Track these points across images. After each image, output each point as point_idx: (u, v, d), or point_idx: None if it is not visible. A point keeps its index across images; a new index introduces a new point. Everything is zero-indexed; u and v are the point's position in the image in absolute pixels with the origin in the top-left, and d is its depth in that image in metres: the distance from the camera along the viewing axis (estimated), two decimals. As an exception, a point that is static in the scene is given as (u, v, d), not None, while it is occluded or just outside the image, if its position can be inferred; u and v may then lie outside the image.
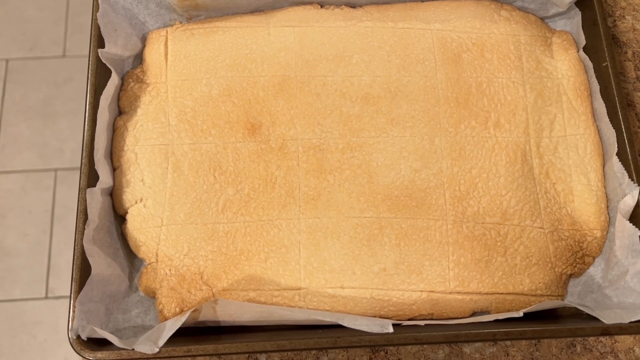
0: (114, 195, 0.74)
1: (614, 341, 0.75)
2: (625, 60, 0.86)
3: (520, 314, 0.67)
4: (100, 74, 0.75)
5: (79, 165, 0.71)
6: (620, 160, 0.73)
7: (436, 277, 0.72)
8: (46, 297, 1.64)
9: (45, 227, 1.70)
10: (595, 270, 0.75)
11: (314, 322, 0.68)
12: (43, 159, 1.77)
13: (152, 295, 0.73)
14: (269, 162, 0.75)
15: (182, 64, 0.79)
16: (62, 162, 1.76)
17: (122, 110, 0.78)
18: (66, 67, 1.86)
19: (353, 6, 0.83)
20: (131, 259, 0.74)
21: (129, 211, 0.74)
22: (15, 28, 1.90)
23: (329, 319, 0.66)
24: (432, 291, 0.71)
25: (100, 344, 0.66)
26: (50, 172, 1.75)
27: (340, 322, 0.65)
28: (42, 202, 1.73)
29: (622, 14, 0.89)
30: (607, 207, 0.75)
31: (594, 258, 0.75)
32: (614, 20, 0.88)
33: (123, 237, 0.74)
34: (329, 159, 0.75)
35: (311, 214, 0.73)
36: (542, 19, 0.85)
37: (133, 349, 0.64)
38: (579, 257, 0.74)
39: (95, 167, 0.71)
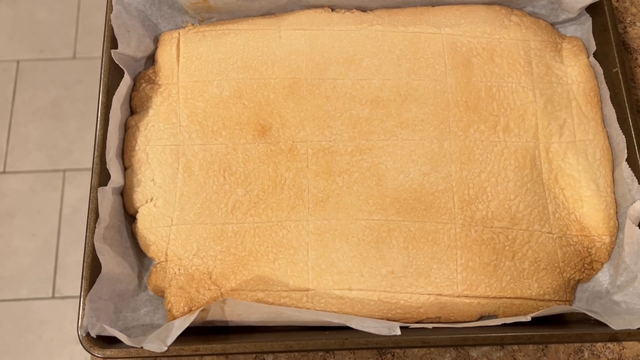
0: (124, 194, 0.75)
1: (622, 347, 0.75)
2: (635, 67, 0.86)
3: (528, 318, 0.67)
4: (112, 74, 0.75)
5: (88, 166, 0.72)
6: (630, 166, 0.73)
7: (444, 281, 0.72)
8: (53, 297, 1.64)
9: (53, 227, 1.71)
10: (604, 277, 0.75)
11: (322, 323, 0.68)
12: (52, 160, 1.77)
13: (160, 295, 0.73)
14: (278, 163, 0.75)
15: (194, 65, 0.79)
16: (70, 162, 1.77)
17: (133, 111, 0.79)
18: (76, 69, 1.87)
19: (364, 10, 0.83)
20: (141, 258, 0.75)
21: (139, 210, 0.74)
22: (26, 30, 1.91)
23: (336, 320, 0.66)
24: (440, 294, 0.71)
25: (109, 342, 0.66)
26: (58, 173, 1.76)
27: (347, 324, 0.66)
28: (50, 202, 1.74)
29: (633, 20, 0.89)
30: (617, 213, 0.75)
31: (602, 264, 0.75)
32: (625, 27, 0.88)
33: (133, 236, 0.75)
34: (338, 162, 0.75)
35: (320, 216, 0.73)
36: (553, 24, 0.85)
37: (142, 347, 0.64)
38: (587, 262, 0.74)
39: (107, 166, 0.71)
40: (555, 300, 0.72)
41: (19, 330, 1.61)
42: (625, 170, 0.73)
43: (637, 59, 0.87)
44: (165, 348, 0.63)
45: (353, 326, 0.65)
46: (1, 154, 1.76)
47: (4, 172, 1.75)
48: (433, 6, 0.84)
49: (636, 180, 0.72)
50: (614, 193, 0.76)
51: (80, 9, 1.93)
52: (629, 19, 0.89)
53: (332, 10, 0.83)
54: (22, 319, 1.62)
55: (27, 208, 1.73)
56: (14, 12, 1.93)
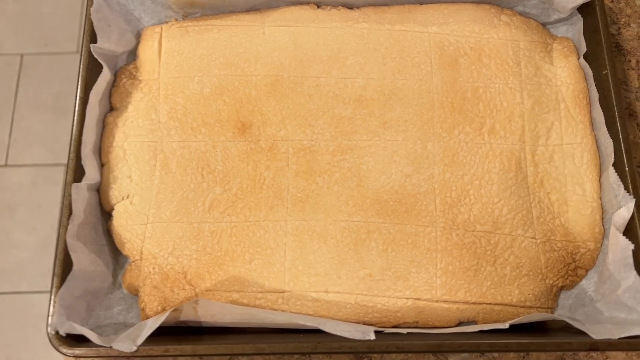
0: (101, 191, 0.74)
1: (605, 357, 0.73)
2: (628, 69, 0.84)
3: (506, 325, 0.65)
4: (91, 69, 0.74)
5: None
6: (616, 171, 0.71)
7: (423, 285, 0.70)
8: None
9: (54, 221, 1.71)
10: (588, 283, 0.73)
11: (296, 326, 0.67)
12: (54, 154, 1.77)
13: (135, 293, 0.72)
14: (258, 162, 0.74)
15: (175, 61, 0.78)
16: (72, 157, 1.76)
17: (113, 107, 0.78)
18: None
19: (350, 7, 0.82)
20: (116, 255, 0.74)
21: (115, 207, 0.73)
22: (31, 24, 1.91)
23: (310, 323, 0.65)
24: (418, 299, 0.70)
25: (79, 340, 0.65)
26: (60, 167, 1.76)
27: (321, 327, 0.64)
28: (51, 196, 1.74)
29: (628, 21, 0.87)
30: (602, 218, 0.73)
31: (586, 270, 0.73)
32: (619, 28, 0.86)
33: (109, 233, 0.74)
34: (319, 161, 0.74)
35: (298, 216, 0.72)
36: (544, 24, 0.83)
37: (111, 347, 0.63)
38: (571, 269, 0.72)
39: (82, 163, 0.70)
40: (536, 307, 0.71)
41: (19, 324, 1.61)
42: (611, 176, 0.71)
43: (630, 61, 0.85)
44: (135, 348, 0.63)
45: (327, 330, 0.64)
46: (3, 148, 1.76)
47: (6, 165, 1.75)
48: (421, 4, 0.82)
49: (622, 185, 0.70)
50: (600, 198, 0.74)
51: (84, 3, 1.93)
52: (623, 20, 0.87)
53: (318, 7, 0.81)
54: (22, 312, 1.62)
55: (28, 202, 1.73)
56: (19, 6, 1.93)
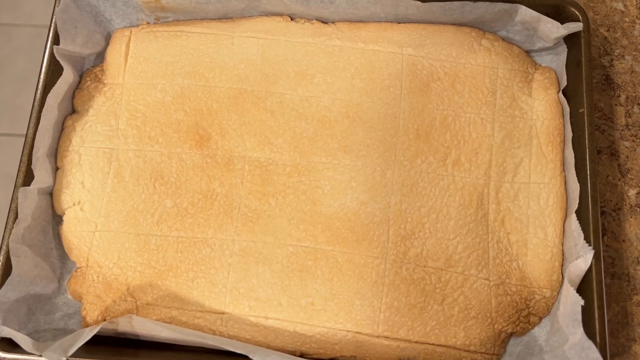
0: (53, 194, 0.74)
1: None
2: (616, 105, 0.79)
3: (441, 371, 0.63)
4: (53, 71, 0.74)
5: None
6: (580, 218, 0.67)
7: (365, 319, 0.68)
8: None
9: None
10: (540, 332, 0.70)
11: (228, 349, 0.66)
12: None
13: (79, 300, 0.72)
14: (212, 177, 0.73)
15: (141, 66, 0.77)
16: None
17: (75, 109, 0.77)
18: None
19: (325, 22, 0.79)
20: (64, 260, 0.74)
21: (65, 212, 0.73)
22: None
23: (239, 350, 0.64)
24: (359, 332, 0.68)
25: (15, 344, 0.66)
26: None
27: (250, 356, 0.63)
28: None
29: (622, 53, 0.81)
30: (562, 266, 0.70)
31: (540, 318, 0.70)
32: (611, 60, 0.81)
33: (60, 236, 0.74)
34: (274, 181, 0.72)
35: (247, 237, 0.71)
36: (528, 51, 0.79)
37: (40, 356, 0.63)
38: (523, 315, 0.69)
39: (32, 167, 0.70)
40: (481, 353, 0.68)
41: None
42: (573, 223, 0.67)
43: (619, 96, 0.80)
44: (64, 359, 0.62)
45: (256, 359, 0.63)
46: (27, 118, 1.78)
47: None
48: (399, 23, 0.78)
49: (582, 235, 0.66)
50: (562, 244, 0.70)
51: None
52: (617, 51, 0.82)
53: (292, 19, 0.79)
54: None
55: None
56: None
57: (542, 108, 0.74)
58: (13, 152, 1.64)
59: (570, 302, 0.64)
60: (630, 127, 0.78)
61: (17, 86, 1.72)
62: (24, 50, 1.78)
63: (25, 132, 0.71)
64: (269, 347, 0.68)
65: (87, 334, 0.63)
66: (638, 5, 0.83)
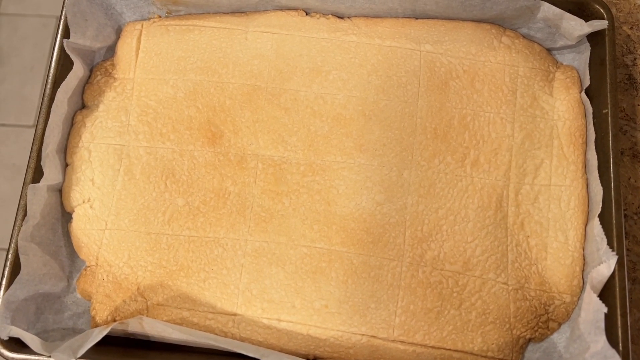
0: (63, 191, 0.72)
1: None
2: (639, 105, 0.77)
3: (459, 378, 0.62)
4: (63, 65, 0.72)
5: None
6: (603, 223, 0.65)
7: (380, 322, 0.67)
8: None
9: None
10: (560, 337, 0.68)
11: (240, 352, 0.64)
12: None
13: (88, 299, 0.71)
14: (225, 175, 0.71)
15: (152, 61, 0.75)
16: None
17: (85, 104, 0.75)
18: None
19: (341, 16, 0.77)
20: (74, 258, 0.72)
21: (75, 210, 0.72)
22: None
23: (252, 354, 0.62)
24: (374, 336, 0.66)
25: (23, 345, 0.65)
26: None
27: (263, 359, 0.62)
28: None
29: (646, 51, 0.79)
30: (583, 270, 0.68)
31: (559, 324, 0.68)
32: (634, 58, 0.79)
33: (69, 234, 0.72)
34: (288, 180, 0.71)
35: (259, 237, 0.69)
36: (549, 50, 0.77)
37: (50, 356, 0.62)
38: (542, 321, 0.68)
39: (41, 163, 0.68)
40: (498, 359, 0.66)
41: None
42: (596, 227, 0.66)
43: (642, 96, 0.78)
44: (73, 360, 0.61)
45: (268, 362, 0.62)
46: (34, 109, 1.77)
47: (34, 126, 1.76)
48: (417, 19, 0.76)
49: (605, 239, 0.64)
50: (583, 249, 0.68)
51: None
52: (640, 49, 0.79)
53: (307, 14, 0.77)
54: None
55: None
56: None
57: (564, 108, 0.72)
58: (19, 143, 1.63)
59: (593, 309, 0.62)
60: (652, 128, 0.77)
61: (24, 77, 1.70)
62: (31, 41, 1.77)
63: (31, 123, 0.70)
64: (281, 350, 0.67)
65: (97, 335, 0.62)
66: (662, 2, 0.81)
